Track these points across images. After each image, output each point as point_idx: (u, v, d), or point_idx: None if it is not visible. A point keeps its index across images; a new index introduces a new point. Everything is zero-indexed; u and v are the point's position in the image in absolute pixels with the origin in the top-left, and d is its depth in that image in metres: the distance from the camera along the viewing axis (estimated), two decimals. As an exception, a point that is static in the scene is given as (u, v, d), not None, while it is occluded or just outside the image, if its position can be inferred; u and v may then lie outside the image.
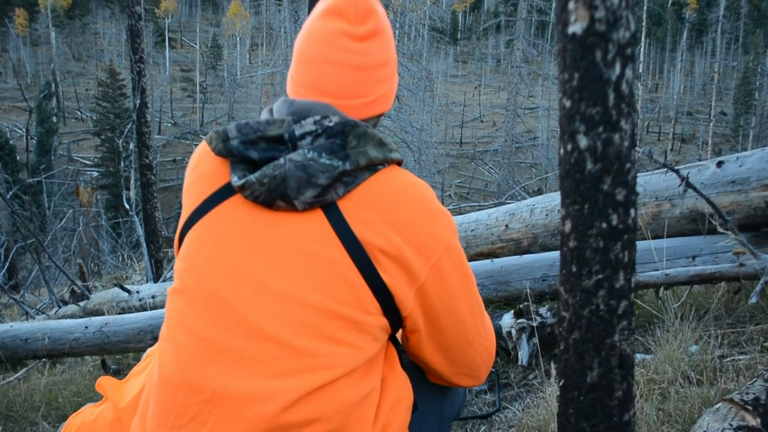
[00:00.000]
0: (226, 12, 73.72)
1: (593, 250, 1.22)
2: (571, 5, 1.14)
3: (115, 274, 11.95)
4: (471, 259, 4.68)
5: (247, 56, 72.55)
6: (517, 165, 33.65)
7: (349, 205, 1.40)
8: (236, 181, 1.42)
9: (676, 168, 2.82)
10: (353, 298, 1.37)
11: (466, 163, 50.58)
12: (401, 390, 1.53)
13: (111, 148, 36.86)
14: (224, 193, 1.47)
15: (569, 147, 1.19)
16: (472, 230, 4.84)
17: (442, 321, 1.51)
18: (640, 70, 47.60)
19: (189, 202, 1.54)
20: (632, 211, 1.22)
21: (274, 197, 1.39)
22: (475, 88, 69.36)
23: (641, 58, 47.39)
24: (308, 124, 1.42)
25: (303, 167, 1.37)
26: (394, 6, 23.93)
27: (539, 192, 22.84)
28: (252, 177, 1.40)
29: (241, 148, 1.43)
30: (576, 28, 1.14)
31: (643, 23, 48.44)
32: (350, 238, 1.38)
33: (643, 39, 47.88)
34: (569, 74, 1.17)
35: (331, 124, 1.42)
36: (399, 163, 1.52)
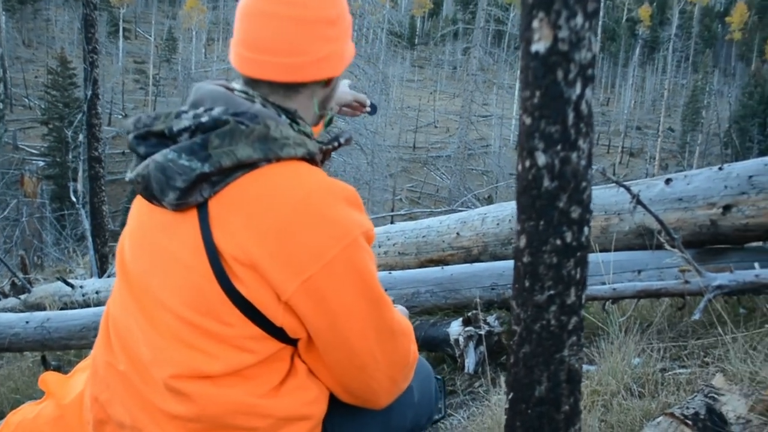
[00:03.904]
0: (183, 5, 72.77)
1: (546, 266, 1.24)
2: (535, 24, 1.15)
3: (59, 267, 11.69)
4: (421, 265, 4.70)
5: (203, 51, 71.77)
6: (469, 172, 33.90)
7: (216, 207, 1.34)
8: (126, 176, 1.43)
9: (627, 185, 2.87)
10: (206, 308, 1.33)
11: (419, 167, 50.75)
12: (300, 409, 1.43)
13: (59, 138, 36.07)
14: None
15: (527, 163, 1.21)
16: (423, 236, 4.86)
17: (321, 340, 1.39)
18: (593, 84, 48.43)
19: None
20: (586, 229, 1.24)
21: (148, 196, 1.39)
22: (431, 93, 69.62)
23: (594, 72, 48.11)
24: (187, 119, 1.37)
25: (162, 169, 1.33)
26: (353, 8, 23.91)
27: (490, 200, 23.06)
28: (132, 174, 1.40)
29: (134, 144, 1.42)
30: (539, 46, 1.16)
31: (598, 38, 49.18)
32: (210, 243, 1.32)
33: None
34: (531, 92, 1.18)
35: (205, 120, 1.35)
36: (310, 160, 1.43)
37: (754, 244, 3.65)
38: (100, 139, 8.72)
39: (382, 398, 1.52)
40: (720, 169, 3.50)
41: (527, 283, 1.27)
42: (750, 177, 3.32)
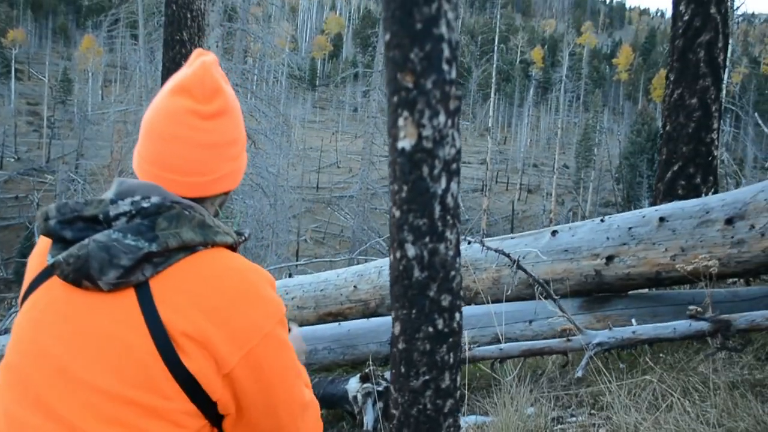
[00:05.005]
0: (78, 46, 71.06)
1: (420, 353, 1.27)
2: (401, 122, 1.20)
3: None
4: (320, 319, 4.69)
5: (100, 93, 70.15)
6: (372, 211, 34.09)
7: (160, 286, 1.38)
8: (49, 260, 1.41)
9: (507, 253, 2.96)
10: (148, 382, 1.34)
11: (323, 208, 50.77)
12: None
13: (-57, 186, 34.46)
14: (48, 272, 1.45)
15: (398, 255, 1.24)
16: (321, 290, 4.86)
17: (253, 412, 1.45)
18: (490, 124, 49.82)
19: (26, 278, 1.53)
20: (457, 315, 1.28)
21: (79, 277, 1.38)
22: (333, 134, 69.98)
23: (491, 113, 49.62)
24: (125, 205, 1.41)
25: (105, 248, 1.35)
26: (253, 51, 23.92)
27: (394, 239, 23.18)
28: (60, 256, 1.39)
29: (57, 228, 1.42)
30: (405, 143, 1.20)
31: (494, 79, 50.75)
32: (155, 319, 1.35)
33: (493, 94, 50.09)
34: (399, 186, 1.22)
35: (146, 205, 1.41)
36: (232, 247, 1.51)
37: (637, 291, 3.81)
38: (-13, 192, 8.38)
39: None
40: (602, 221, 3.65)
41: (403, 369, 1.30)
42: (630, 228, 3.48)
